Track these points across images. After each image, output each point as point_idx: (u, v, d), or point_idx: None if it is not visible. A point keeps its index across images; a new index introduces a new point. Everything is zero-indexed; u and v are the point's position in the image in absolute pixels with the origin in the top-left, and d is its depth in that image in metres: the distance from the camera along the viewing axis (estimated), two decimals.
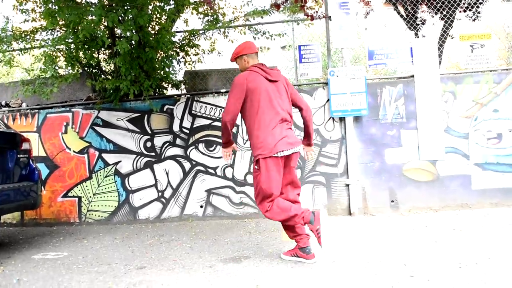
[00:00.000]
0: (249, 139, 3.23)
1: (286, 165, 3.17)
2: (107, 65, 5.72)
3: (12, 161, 4.00)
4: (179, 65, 5.95)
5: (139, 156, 5.34)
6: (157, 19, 5.18)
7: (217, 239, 4.12)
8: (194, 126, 5.27)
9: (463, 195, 4.86)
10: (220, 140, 5.19)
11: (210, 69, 5.83)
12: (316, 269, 2.96)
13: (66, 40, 4.63)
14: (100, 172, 5.40)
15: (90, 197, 5.41)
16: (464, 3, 7.93)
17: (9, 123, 5.56)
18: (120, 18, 4.54)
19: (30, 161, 4.28)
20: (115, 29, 5.07)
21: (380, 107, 5.01)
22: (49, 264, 3.50)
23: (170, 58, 5.30)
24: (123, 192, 5.36)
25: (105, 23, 4.55)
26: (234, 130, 5.12)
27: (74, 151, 5.45)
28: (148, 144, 5.33)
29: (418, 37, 8.16)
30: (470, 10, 8.11)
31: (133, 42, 4.81)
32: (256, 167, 3.13)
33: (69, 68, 5.11)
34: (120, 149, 5.37)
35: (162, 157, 5.30)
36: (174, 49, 5.43)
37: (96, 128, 5.42)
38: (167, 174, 5.29)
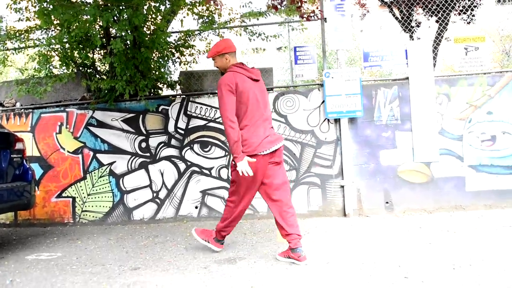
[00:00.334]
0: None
1: (276, 163, 3.25)
2: (102, 65, 5.70)
3: (5, 161, 3.97)
4: (175, 66, 5.94)
5: (133, 157, 5.32)
6: (152, 19, 5.17)
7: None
8: (189, 126, 5.26)
9: (457, 196, 4.89)
10: (215, 141, 5.26)
11: (205, 70, 5.82)
12: (310, 270, 2.96)
13: (61, 39, 4.61)
14: (94, 173, 5.37)
15: (85, 197, 5.38)
16: (458, 6, 7.98)
17: (3, 123, 5.52)
18: (115, 18, 4.52)
19: (24, 161, 4.25)
20: (110, 29, 5.05)
21: (375, 108, 5.03)
22: (42, 265, 3.48)
23: (166, 58, 5.30)
24: (118, 193, 5.33)
25: (100, 23, 4.54)
26: None
27: (68, 151, 5.42)
28: (143, 144, 5.32)
29: (413, 39, 8.18)
30: (464, 13, 8.17)
31: (128, 42, 4.80)
32: (233, 162, 3.19)
33: (64, 67, 5.08)
34: (114, 150, 5.35)
35: (157, 157, 5.29)
36: (170, 49, 5.41)
37: (91, 128, 5.39)
38: (162, 174, 5.27)
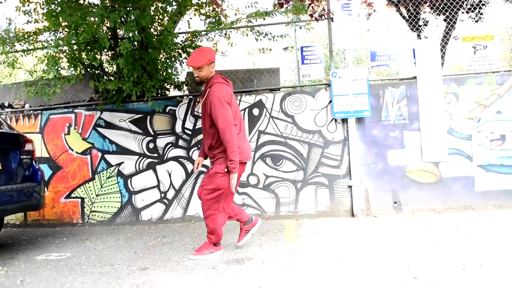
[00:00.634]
0: (217, 146, 3.39)
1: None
2: (109, 66, 5.73)
3: (15, 162, 4.01)
4: (182, 66, 5.96)
5: (141, 157, 5.34)
6: (159, 20, 5.19)
7: None
8: (196, 127, 5.27)
9: (466, 196, 4.85)
10: None
11: None
12: (319, 270, 2.95)
13: (69, 41, 4.64)
14: (103, 173, 5.40)
15: (93, 198, 5.42)
16: (466, 4, 7.93)
17: (12, 124, 5.57)
18: (122, 19, 4.54)
19: (33, 162, 4.29)
20: (118, 30, 5.08)
21: (382, 108, 5.00)
22: (52, 265, 3.51)
23: (173, 59, 5.31)
24: (126, 193, 5.36)
25: (107, 24, 4.56)
26: None
27: (77, 152, 5.46)
28: (151, 145, 5.34)
29: (420, 38, 8.14)
30: (472, 11, 8.11)
31: (135, 43, 4.82)
32: (226, 170, 3.33)
33: (72, 69, 5.12)
34: (122, 150, 5.38)
35: (165, 158, 5.30)
36: (177, 50, 5.43)
37: (99, 129, 5.43)
38: (170, 175, 5.29)
